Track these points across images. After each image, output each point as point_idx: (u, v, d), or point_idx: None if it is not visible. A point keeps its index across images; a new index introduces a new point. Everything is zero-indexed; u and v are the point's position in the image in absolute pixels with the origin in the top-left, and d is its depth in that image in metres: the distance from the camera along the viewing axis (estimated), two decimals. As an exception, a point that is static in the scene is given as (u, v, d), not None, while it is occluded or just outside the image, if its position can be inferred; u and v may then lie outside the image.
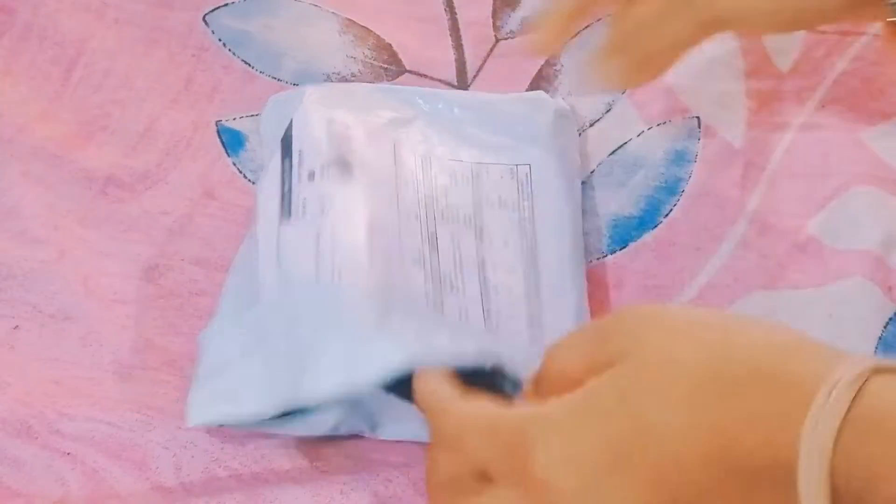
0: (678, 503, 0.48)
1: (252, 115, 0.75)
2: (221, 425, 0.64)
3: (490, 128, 0.71)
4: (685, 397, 0.48)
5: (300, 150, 0.66)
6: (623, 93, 0.76)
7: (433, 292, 0.64)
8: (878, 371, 0.46)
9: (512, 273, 0.66)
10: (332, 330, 0.59)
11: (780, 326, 0.50)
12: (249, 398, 0.61)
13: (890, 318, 0.69)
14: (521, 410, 0.53)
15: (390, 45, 0.77)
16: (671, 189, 0.73)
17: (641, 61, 0.63)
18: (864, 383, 0.45)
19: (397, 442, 0.65)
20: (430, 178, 0.67)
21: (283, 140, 0.67)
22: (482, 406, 0.54)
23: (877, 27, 0.78)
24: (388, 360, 0.57)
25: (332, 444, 0.65)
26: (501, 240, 0.67)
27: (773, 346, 0.48)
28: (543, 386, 0.55)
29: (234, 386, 0.62)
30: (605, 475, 0.49)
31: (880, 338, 0.68)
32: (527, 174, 0.70)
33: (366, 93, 0.70)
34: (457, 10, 0.78)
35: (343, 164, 0.65)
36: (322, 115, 0.67)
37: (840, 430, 0.45)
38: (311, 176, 0.64)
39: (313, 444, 0.65)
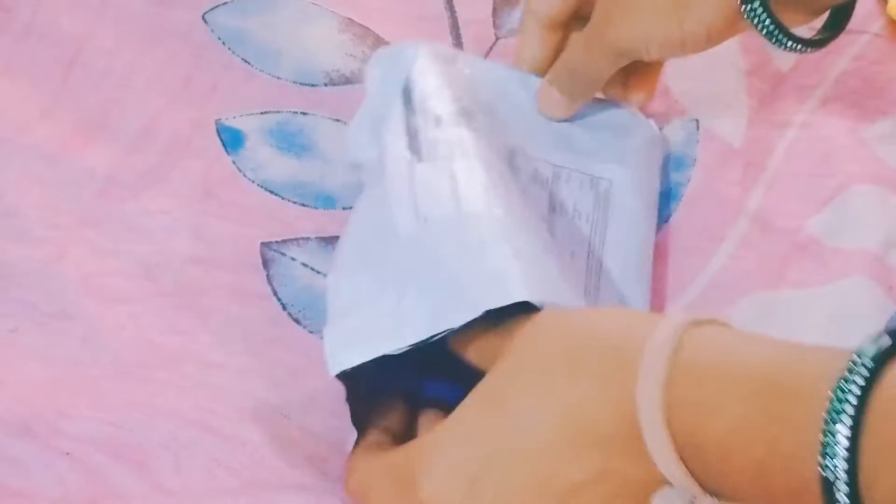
0: (554, 489, 0.50)
1: (252, 114, 0.75)
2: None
3: (579, 132, 0.71)
4: (539, 384, 0.52)
5: (423, 99, 0.66)
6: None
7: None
8: (694, 324, 0.50)
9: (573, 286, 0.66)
10: (474, 262, 0.59)
11: (623, 309, 0.58)
12: (388, 333, 0.59)
13: (890, 318, 0.69)
14: (405, 447, 0.56)
15: (390, 44, 0.77)
16: (671, 194, 0.73)
17: (573, 91, 0.69)
18: (682, 336, 0.49)
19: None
20: (515, 168, 0.67)
21: (403, 90, 0.67)
22: (382, 454, 0.58)
23: (878, 26, 0.78)
24: (522, 295, 0.57)
25: (333, 445, 0.66)
26: (568, 249, 0.67)
27: (607, 322, 0.53)
28: None
29: (372, 324, 0.60)
30: (485, 482, 0.52)
31: (880, 338, 0.69)
32: (607, 189, 0.70)
33: (470, 61, 0.71)
34: (457, 9, 0.78)
35: (468, 113, 0.66)
36: (440, 69, 0.68)
37: (667, 383, 0.49)
38: (438, 121, 0.65)
39: (314, 446, 0.65)
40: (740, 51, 0.77)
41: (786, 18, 0.61)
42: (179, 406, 0.66)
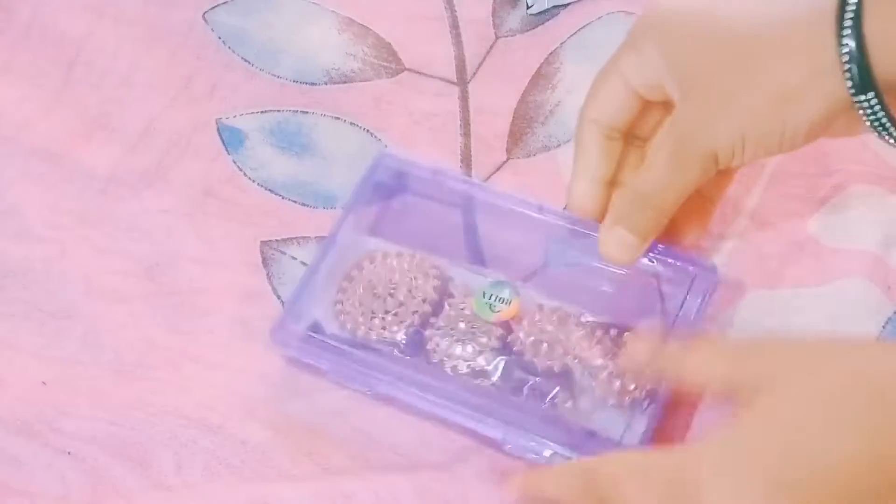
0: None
1: (252, 113, 0.75)
2: None
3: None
4: (850, 427, 0.50)
5: None
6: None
7: None
8: None
9: None
10: None
11: None
12: None
13: (889, 318, 0.69)
14: (671, 453, 0.55)
15: (389, 43, 0.77)
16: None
17: (645, 224, 0.63)
18: None
19: (399, 445, 0.65)
20: None
21: None
22: (626, 456, 0.57)
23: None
24: None
25: (334, 444, 0.66)
26: None
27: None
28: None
29: None
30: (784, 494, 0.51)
31: (878, 337, 0.68)
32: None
33: None
34: (457, 8, 0.78)
35: None
36: None
37: None
38: None
39: (315, 445, 0.66)
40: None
41: (891, 103, 0.59)
42: (180, 404, 0.67)
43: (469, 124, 0.75)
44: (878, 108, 0.58)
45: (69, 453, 0.65)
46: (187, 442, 0.66)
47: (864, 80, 0.57)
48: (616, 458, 0.56)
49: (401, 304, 0.67)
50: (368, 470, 0.65)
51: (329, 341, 0.66)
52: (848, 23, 0.57)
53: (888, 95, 0.58)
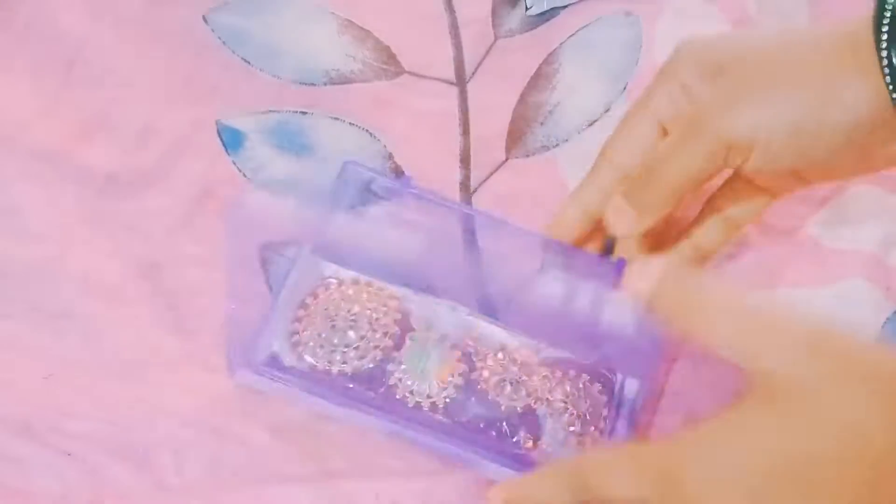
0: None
1: (252, 114, 0.75)
2: None
3: None
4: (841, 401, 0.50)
5: None
6: (622, 92, 0.76)
7: None
8: None
9: None
10: None
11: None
12: None
13: (888, 318, 0.69)
14: (659, 443, 0.54)
15: (388, 47, 0.77)
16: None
17: (644, 199, 0.61)
18: None
19: (399, 447, 0.65)
20: None
21: None
22: (612, 450, 0.56)
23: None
24: None
25: (334, 446, 0.66)
26: None
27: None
28: None
29: None
30: (769, 489, 0.50)
31: (878, 337, 0.69)
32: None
33: None
34: (456, 9, 0.78)
35: None
36: None
37: None
38: None
39: (315, 446, 0.66)
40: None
41: None
42: (180, 405, 0.67)
43: (468, 124, 0.75)
44: None
45: (69, 453, 0.65)
46: (187, 442, 0.66)
47: None
48: (602, 452, 0.57)
49: (362, 338, 0.66)
50: (368, 472, 0.65)
51: (284, 376, 0.66)
52: (885, 29, 0.55)
53: None
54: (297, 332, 0.67)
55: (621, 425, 0.66)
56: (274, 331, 0.67)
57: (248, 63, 0.76)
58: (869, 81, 0.56)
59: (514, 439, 0.65)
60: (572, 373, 0.66)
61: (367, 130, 0.75)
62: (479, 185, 0.74)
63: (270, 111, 0.75)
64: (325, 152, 0.74)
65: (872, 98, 0.56)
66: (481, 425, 0.65)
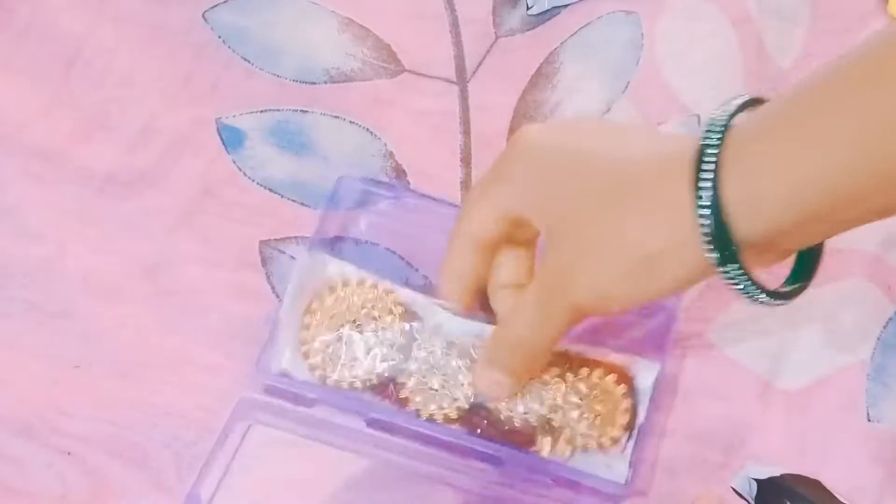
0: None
1: (252, 112, 0.75)
2: None
3: None
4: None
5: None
6: (623, 91, 0.76)
7: None
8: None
9: None
10: None
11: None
12: None
13: (889, 318, 0.69)
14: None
15: (389, 45, 0.77)
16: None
17: (517, 367, 0.63)
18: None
19: (401, 451, 0.65)
20: None
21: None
22: None
23: (879, 24, 0.78)
24: None
25: (335, 447, 0.66)
26: None
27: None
28: None
29: None
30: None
31: (879, 338, 0.69)
32: None
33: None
34: (456, 8, 0.78)
35: None
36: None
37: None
38: None
39: (315, 446, 0.66)
40: (740, 49, 0.77)
41: (751, 262, 0.56)
42: (180, 405, 0.67)
43: (469, 123, 0.75)
44: (743, 278, 0.56)
45: (69, 453, 0.65)
46: (188, 442, 0.66)
47: (726, 252, 0.55)
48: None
49: (369, 351, 0.66)
50: (383, 488, 0.65)
51: (296, 391, 0.65)
52: (705, 184, 0.54)
53: (750, 253, 0.56)
54: (306, 343, 0.66)
55: (642, 414, 0.65)
56: (283, 342, 0.66)
57: (248, 62, 0.76)
58: (686, 251, 0.56)
59: (533, 448, 0.64)
60: (584, 371, 0.66)
61: (367, 129, 0.75)
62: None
63: (270, 110, 0.75)
64: (325, 151, 0.74)
65: (690, 267, 0.56)
66: (497, 435, 0.64)
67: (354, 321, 0.66)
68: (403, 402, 0.65)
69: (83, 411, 0.66)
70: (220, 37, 0.77)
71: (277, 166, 0.74)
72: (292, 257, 0.71)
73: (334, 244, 0.71)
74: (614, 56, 0.77)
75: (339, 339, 0.66)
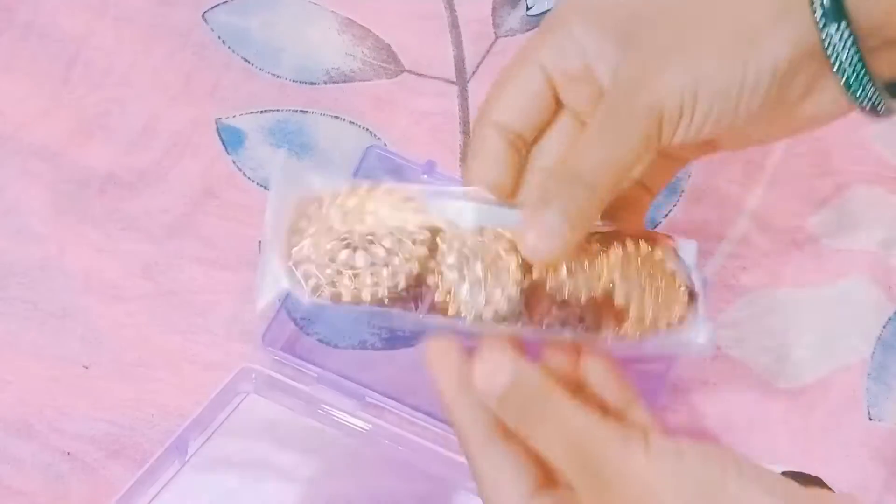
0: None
1: (252, 113, 0.75)
2: None
3: None
4: None
5: None
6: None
7: None
8: None
9: None
10: None
11: None
12: None
13: (889, 318, 0.69)
14: None
15: (389, 45, 0.77)
16: (671, 189, 0.73)
17: (579, 208, 0.50)
18: None
19: (402, 451, 0.65)
20: None
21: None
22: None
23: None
24: None
25: (335, 447, 0.66)
26: None
27: None
28: None
29: None
30: None
31: (879, 337, 0.69)
32: None
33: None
34: (456, 8, 0.78)
35: None
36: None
37: None
38: None
39: (315, 447, 0.66)
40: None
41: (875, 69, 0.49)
42: (180, 404, 0.67)
43: (469, 123, 0.75)
44: (849, 42, 0.49)
45: (69, 453, 0.65)
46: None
47: (834, 7, 0.48)
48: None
49: (388, 251, 0.51)
50: (369, 473, 0.65)
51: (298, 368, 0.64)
52: None
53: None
54: (302, 263, 0.51)
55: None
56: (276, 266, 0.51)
57: (248, 62, 0.76)
58: (789, 20, 0.49)
59: (587, 329, 0.52)
60: (630, 244, 0.53)
61: (367, 129, 0.75)
62: (480, 184, 0.74)
63: (270, 110, 0.75)
64: (325, 151, 0.74)
65: (792, 39, 0.49)
66: (551, 322, 0.52)
67: (361, 228, 0.51)
68: (440, 309, 0.51)
69: (83, 411, 0.66)
70: (220, 37, 0.77)
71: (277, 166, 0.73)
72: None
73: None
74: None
75: (348, 247, 0.51)
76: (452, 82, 0.76)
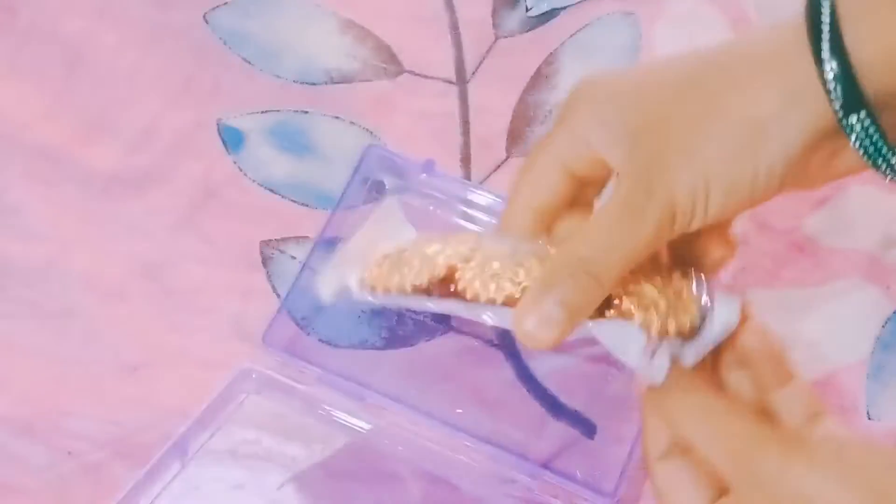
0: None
1: (253, 113, 0.75)
2: None
3: None
4: None
5: None
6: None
7: None
8: None
9: None
10: None
11: None
12: None
13: (888, 318, 0.69)
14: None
15: (389, 46, 0.77)
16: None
17: (580, 300, 0.49)
18: None
19: (402, 452, 0.66)
20: None
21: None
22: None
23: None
24: None
25: (337, 447, 0.66)
26: None
27: None
28: None
29: None
30: None
31: (878, 337, 0.69)
32: None
33: None
34: (456, 9, 0.79)
35: None
36: None
37: None
38: None
39: (317, 447, 0.66)
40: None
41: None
42: (181, 404, 0.67)
43: (468, 124, 0.76)
44: (871, 128, 0.48)
45: (70, 452, 0.66)
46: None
47: (853, 97, 0.48)
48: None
49: (423, 257, 0.53)
50: (371, 474, 0.65)
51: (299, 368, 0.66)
52: (826, 37, 0.48)
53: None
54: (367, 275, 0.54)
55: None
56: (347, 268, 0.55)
57: (249, 63, 0.77)
58: (800, 108, 0.49)
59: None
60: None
61: (367, 130, 0.75)
62: (480, 183, 0.74)
63: (271, 111, 0.75)
64: (325, 152, 0.74)
65: (805, 126, 0.49)
66: None
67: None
68: (460, 295, 0.52)
69: (84, 410, 0.67)
70: (221, 38, 0.77)
71: (278, 167, 0.74)
72: (293, 257, 0.71)
73: (335, 243, 0.71)
74: (613, 57, 0.77)
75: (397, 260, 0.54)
76: (452, 83, 0.77)
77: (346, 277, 0.54)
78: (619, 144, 0.50)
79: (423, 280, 0.52)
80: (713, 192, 0.49)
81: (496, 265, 0.51)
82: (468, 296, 0.51)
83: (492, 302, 0.50)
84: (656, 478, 0.50)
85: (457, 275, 0.52)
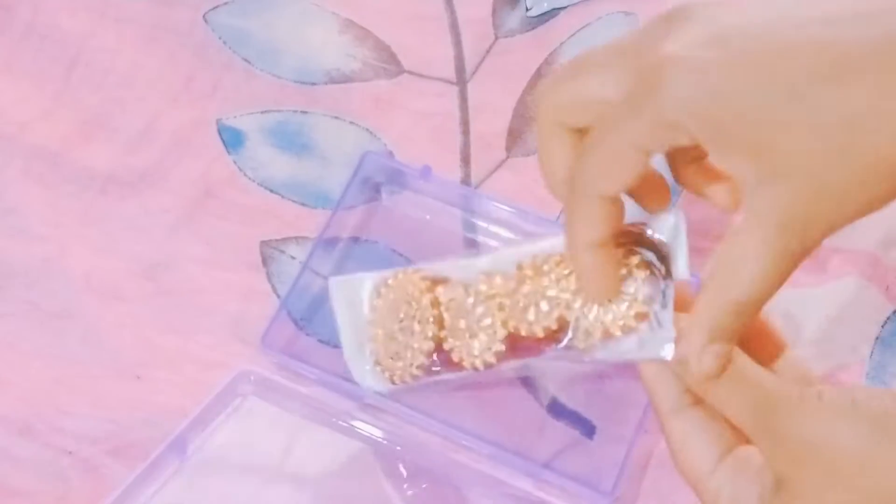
0: None
1: (252, 113, 0.75)
2: None
3: None
4: None
5: None
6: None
7: None
8: None
9: None
10: None
11: None
12: None
13: (888, 318, 0.69)
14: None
15: (389, 46, 0.77)
16: (671, 187, 0.73)
17: (740, 331, 0.49)
18: None
19: (403, 452, 0.65)
20: None
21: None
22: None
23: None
24: None
25: (335, 447, 0.66)
26: None
27: None
28: None
29: None
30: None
31: (878, 337, 0.69)
32: None
33: None
34: (456, 8, 0.79)
35: None
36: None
37: None
38: None
39: (316, 447, 0.66)
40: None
41: None
42: (180, 404, 0.67)
43: (468, 123, 0.76)
44: None
45: (69, 453, 0.66)
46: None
47: None
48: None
49: (412, 335, 0.59)
50: (368, 474, 0.65)
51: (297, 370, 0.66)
52: None
53: None
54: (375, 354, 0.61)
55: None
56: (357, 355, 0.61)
57: (249, 63, 0.77)
58: None
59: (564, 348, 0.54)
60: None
61: (367, 129, 0.75)
62: (480, 183, 0.74)
63: (271, 111, 0.75)
64: (325, 152, 0.74)
65: None
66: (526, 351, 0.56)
67: (398, 316, 0.59)
68: (457, 366, 0.58)
69: (84, 410, 0.67)
70: (220, 38, 0.77)
71: (278, 167, 0.74)
72: (293, 257, 0.71)
73: (335, 243, 0.71)
74: (613, 57, 0.77)
75: (392, 338, 0.59)
76: (452, 83, 0.77)
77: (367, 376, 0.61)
78: (743, 152, 0.46)
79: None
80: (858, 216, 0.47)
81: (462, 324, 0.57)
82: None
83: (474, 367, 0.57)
84: (672, 432, 0.51)
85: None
